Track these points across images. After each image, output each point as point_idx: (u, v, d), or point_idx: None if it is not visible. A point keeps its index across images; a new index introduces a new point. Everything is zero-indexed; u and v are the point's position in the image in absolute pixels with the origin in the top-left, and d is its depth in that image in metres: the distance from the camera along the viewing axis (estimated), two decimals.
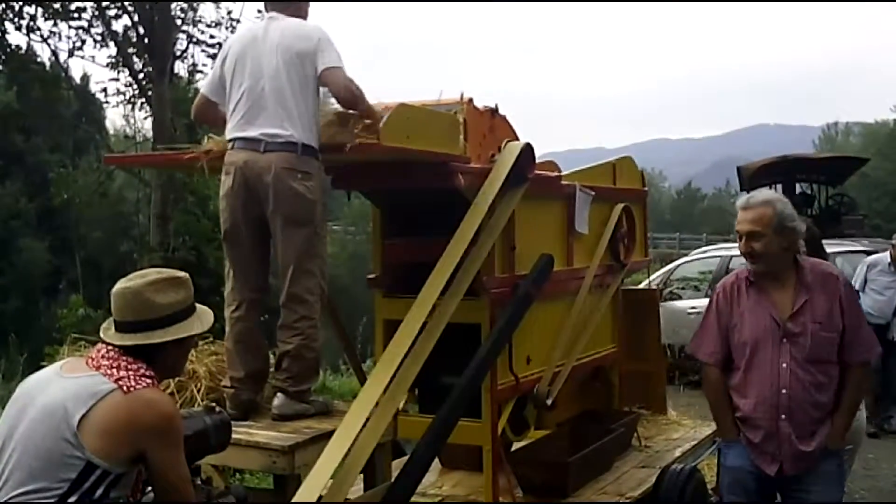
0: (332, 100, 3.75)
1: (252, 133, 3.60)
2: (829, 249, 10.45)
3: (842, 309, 3.49)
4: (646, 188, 6.14)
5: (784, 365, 3.48)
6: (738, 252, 13.01)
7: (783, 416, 3.47)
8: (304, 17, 3.84)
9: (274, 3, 3.82)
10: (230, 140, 3.68)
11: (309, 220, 3.61)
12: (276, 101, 3.58)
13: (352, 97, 3.60)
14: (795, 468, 3.49)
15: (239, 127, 3.64)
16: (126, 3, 16.31)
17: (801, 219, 3.66)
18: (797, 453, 3.47)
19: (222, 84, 3.77)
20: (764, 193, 3.66)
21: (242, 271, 3.76)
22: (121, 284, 2.70)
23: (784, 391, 3.47)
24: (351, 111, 3.68)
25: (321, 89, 3.71)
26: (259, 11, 17.56)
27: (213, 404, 3.02)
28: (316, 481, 3.00)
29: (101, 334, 2.68)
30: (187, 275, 2.81)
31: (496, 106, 4.42)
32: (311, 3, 3.91)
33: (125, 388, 2.50)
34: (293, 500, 2.98)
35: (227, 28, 17.14)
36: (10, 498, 2.42)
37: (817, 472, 3.50)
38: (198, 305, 2.80)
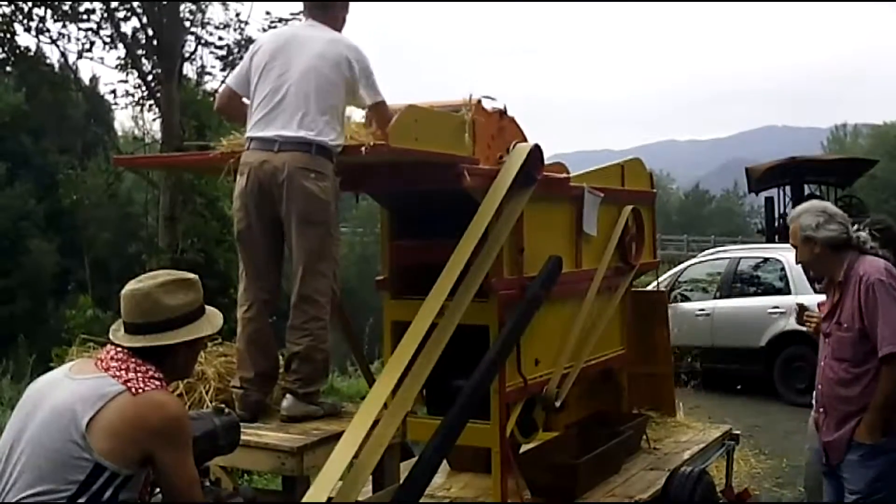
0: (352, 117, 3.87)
1: (268, 134, 3.62)
2: None
3: (860, 308, 3.68)
4: (654, 190, 6.12)
5: (822, 363, 3.88)
6: (745, 254, 12.98)
7: (821, 409, 3.89)
8: (340, 27, 3.89)
9: (313, 11, 3.87)
10: (246, 140, 3.71)
11: (322, 220, 3.61)
12: (296, 105, 3.61)
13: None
14: (830, 457, 3.82)
15: (257, 128, 3.67)
16: (135, 5, 16.35)
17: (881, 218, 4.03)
18: (825, 443, 3.83)
19: (248, 79, 3.80)
20: (798, 208, 4.07)
21: (255, 272, 3.76)
22: (130, 286, 2.69)
23: (819, 386, 3.90)
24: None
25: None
26: (267, 13, 17.59)
27: (222, 405, 3.01)
28: (325, 483, 3.00)
29: (111, 336, 2.68)
30: (197, 276, 2.80)
31: (504, 107, 4.41)
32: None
33: (134, 389, 2.50)
34: (302, 502, 2.98)
35: (235, 30, 17.20)
36: (19, 500, 2.42)
37: (846, 462, 3.74)
38: (207, 307, 2.79)
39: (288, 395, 3.63)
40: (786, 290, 10.16)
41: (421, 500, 3.47)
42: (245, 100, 3.86)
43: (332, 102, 3.66)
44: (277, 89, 3.65)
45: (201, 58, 17.63)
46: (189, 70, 17.47)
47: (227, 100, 3.95)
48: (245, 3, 23.89)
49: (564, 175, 4.77)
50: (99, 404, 2.45)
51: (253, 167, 3.62)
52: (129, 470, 2.46)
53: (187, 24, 16.83)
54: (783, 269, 10.30)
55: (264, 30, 16.63)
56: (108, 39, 16.69)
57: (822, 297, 4.05)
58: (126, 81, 17.22)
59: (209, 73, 17.70)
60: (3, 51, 16.76)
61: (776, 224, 18.36)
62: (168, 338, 2.64)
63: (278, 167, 3.56)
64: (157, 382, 2.56)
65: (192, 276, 2.79)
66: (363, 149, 3.54)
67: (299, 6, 3.97)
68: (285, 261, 3.82)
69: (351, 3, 3.97)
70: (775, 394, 10.01)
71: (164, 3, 16.23)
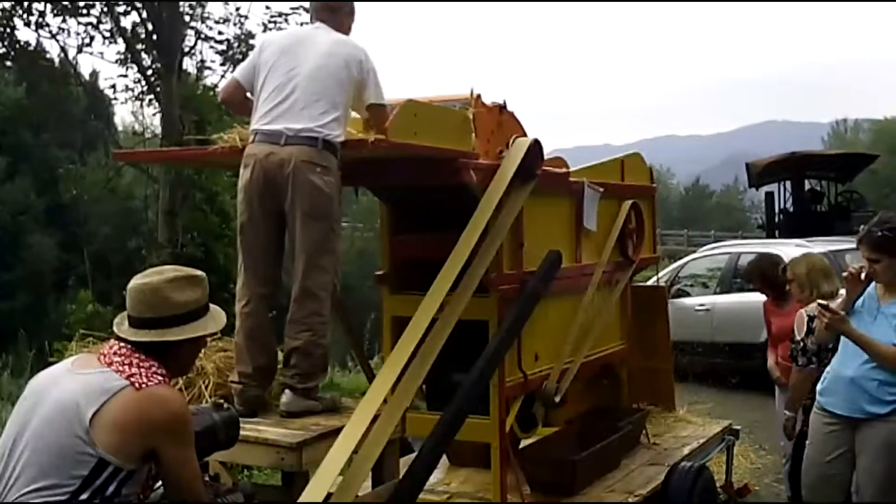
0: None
1: (275, 127, 3.63)
2: (839, 247, 10.36)
3: None
4: (654, 185, 6.12)
5: None
6: (745, 249, 12.85)
7: None
8: (347, 31, 3.92)
9: (321, 13, 3.90)
10: (252, 133, 3.72)
11: (326, 214, 3.62)
12: (304, 101, 3.63)
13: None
14: None
15: (263, 121, 3.68)
16: (135, 0, 16.34)
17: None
18: None
19: (254, 74, 3.82)
20: None
21: (255, 266, 3.76)
22: (138, 280, 2.69)
23: None
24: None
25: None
26: (267, 7, 17.54)
27: (222, 400, 3.02)
28: (324, 478, 3.00)
29: (114, 329, 2.67)
30: (204, 274, 2.81)
31: (504, 102, 4.41)
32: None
33: (137, 384, 2.50)
34: (301, 498, 2.98)
35: (234, 25, 17.19)
36: (22, 495, 2.42)
37: None
38: (211, 305, 2.79)
39: (287, 391, 3.63)
40: None
41: (420, 496, 3.48)
42: (249, 95, 3.87)
43: (339, 100, 3.68)
44: (285, 84, 3.67)
45: (201, 52, 17.60)
46: (189, 65, 17.46)
47: (234, 90, 3.96)
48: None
49: (564, 170, 4.76)
50: (102, 399, 2.45)
51: (258, 159, 3.63)
52: (133, 465, 2.47)
53: (187, 18, 16.82)
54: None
55: (264, 24, 16.65)
56: (107, 34, 16.69)
57: None
58: (126, 76, 17.23)
59: (209, 68, 17.69)
60: (3, 45, 16.75)
61: (776, 219, 18.32)
62: (174, 333, 2.64)
63: (284, 159, 3.58)
64: (160, 378, 2.57)
65: (199, 273, 2.79)
66: (368, 142, 3.54)
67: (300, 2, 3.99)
68: (286, 255, 3.82)
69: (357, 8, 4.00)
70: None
71: None
